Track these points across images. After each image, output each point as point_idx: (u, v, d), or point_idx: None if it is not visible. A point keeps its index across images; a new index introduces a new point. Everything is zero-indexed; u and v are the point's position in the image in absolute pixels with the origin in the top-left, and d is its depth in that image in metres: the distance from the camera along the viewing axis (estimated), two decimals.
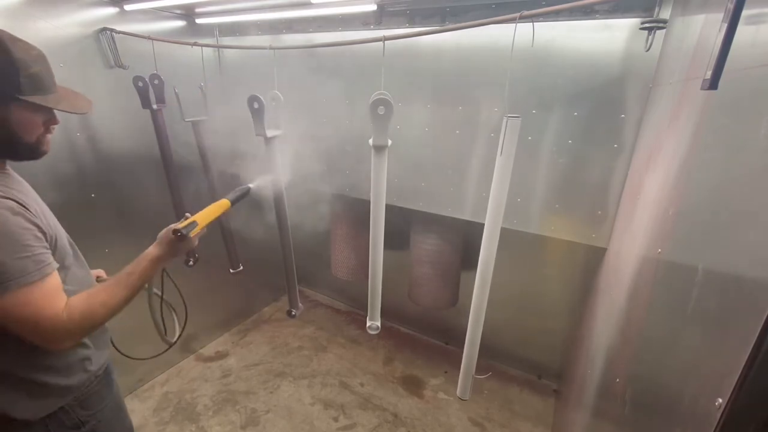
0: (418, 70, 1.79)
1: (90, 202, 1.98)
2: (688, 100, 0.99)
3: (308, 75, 2.07)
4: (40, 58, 0.91)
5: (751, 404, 0.52)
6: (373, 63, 1.82)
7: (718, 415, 0.54)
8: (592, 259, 1.86)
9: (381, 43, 1.27)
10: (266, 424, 2.25)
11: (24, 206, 0.88)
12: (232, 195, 1.40)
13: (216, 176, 2.23)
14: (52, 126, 0.97)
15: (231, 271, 2.42)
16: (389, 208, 1.49)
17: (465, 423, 2.29)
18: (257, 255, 2.57)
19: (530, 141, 1.61)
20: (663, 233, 0.97)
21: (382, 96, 1.25)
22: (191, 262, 2.33)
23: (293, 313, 2.01)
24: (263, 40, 2.23)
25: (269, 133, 1.56)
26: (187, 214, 1.20)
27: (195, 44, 1.80)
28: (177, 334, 1.39)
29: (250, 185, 1.50)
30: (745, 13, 0.60)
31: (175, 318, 1.40)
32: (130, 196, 2.16)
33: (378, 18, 1.84)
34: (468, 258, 2.36)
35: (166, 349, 1.37)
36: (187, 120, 2.01)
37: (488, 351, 2.52)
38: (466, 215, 1.86)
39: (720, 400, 0.54)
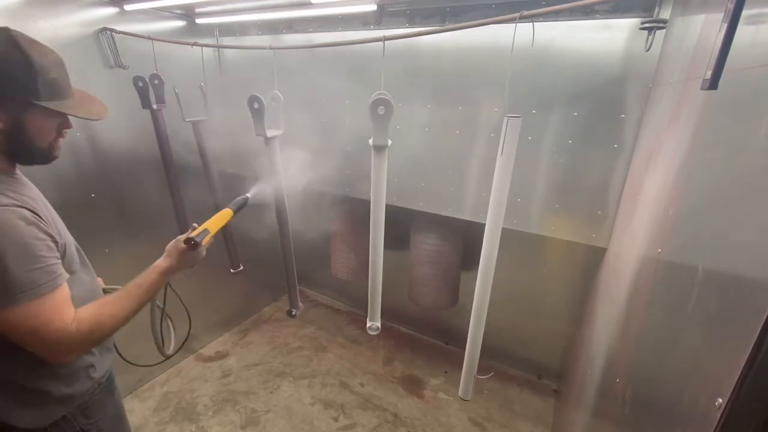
0: (418, 70, 1.79)
1: (90, 202, 1.98)
2: (688, 100, 0.99)
3: (308, 75, 2.07)
4: (58, 62, 0.90)
5: (751, 404, 0.52)
6: (373, 63, 1.82)
7: (718, 415, 0.54)
8: (592, 259, 1.86)
9: (381, 43, 1.27)
10: (266, 424, 2.25)
11: (37, 215, 0.86)
12: (234, 205, 1.41)
13: (216, 176, 2.23)
14: (64, 130, 0.96)
15: (231, 271, 2.42)
16: (389, 208, 1.49)
17: (465, 423, 2.29)
18: (257, 255, 2.57)
19: (530, 141, 1.61)
20: (663, 233, 0.97)
21: (382, 96, 1.25)
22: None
23: (293, 313, 2.01)
24: (263, 40, 2.23)
25: (269, 133, 1.56)
26: (194, 225, 1.20)
27: (195, 44, 1.80)
28: (173, 347, 1.40)
29: (248, 195, 1.51)
30: (745, 13, 0.60)
31: (172, 331, 1.41)
32: (130, 196, 2.16)
33: (378, 18, 1.84)
34: (468, 258, 2.36)
35: (163, 361, 1.38)
36: (187, 120, 2.01)
37: (488, 351, 2.51)
38: (466, 215, 1.86)
39: (720, 400, 0.54)
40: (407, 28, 1.81)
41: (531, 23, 1.13)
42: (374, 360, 2.79)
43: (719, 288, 0.64)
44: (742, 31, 0.61)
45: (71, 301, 0.90)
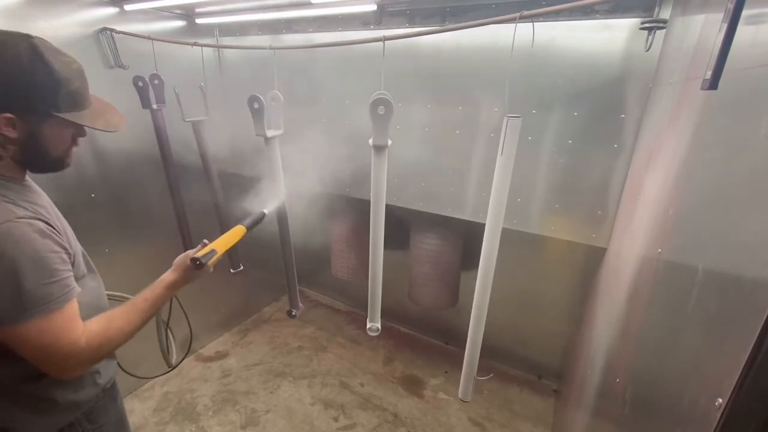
0: (418, 70, 1.79)
1: (90, 202, 1.98)
2: (688, 100, 0.99)
3: (308, 75, 2.07)
4: (79, 72, 0.88)
5: (751, 404, 0.52)
6: (373, 63, 1.82)
7: (718, 415, 0.54)
8: (592, 259, 1.86)
9: (381, 43, 1.27)
10: (266, 424, 2.25)
11: (52, 227, 0.85)
12: (248, 221, 1.40)
13: (216, 176, 2.23)
14: (78, 138, 0.95)
15: (231, 271, 2.42)
16: (389, 208, 1.49)
17: (465, 423, 2.29)
18: (257, 255, 2.57)
19: (530, 141, 1.61)
20: (663, 233, 0.97)
21: (382, 96, 1.25)
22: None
23: (293, 313, 2.01)
24: (263, 40, 2.23)
25: (269, 133, 1.56)
26: (205, 241, 1.19)
27: (195, 44, 1.80)
28: (176, 358, 1.42)
29: (265, 211, 1.49)
30: (745, 13, 0.60)
31: (173, 342, 1.41)
32: (130, 196, 2.16)
33: (378, 18, 1.84)
34: (468, 258, 2.36)
35: (165, 372, 1.41)
36: (187, 120, 2.01)
37: (488, 351, 2.51)
38: (466, 215, 1.86)
39: (720, 400, 0.54)
40: (407, 28, 1.81)
41: (531, 23, 1.12)
42: (374, 360, 2.79)
43: (719, 288, 0.64)
44: (742, 31, 0.61)
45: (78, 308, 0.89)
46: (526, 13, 1.08)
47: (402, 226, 2.33)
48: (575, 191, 1.61)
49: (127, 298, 1.32)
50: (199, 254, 1.11)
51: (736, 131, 0.72)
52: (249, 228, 1.38)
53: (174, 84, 1.95)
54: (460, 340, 1.58)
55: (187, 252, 1.13)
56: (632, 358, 1.02)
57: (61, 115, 0.85)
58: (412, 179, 1.95)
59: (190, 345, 1.48)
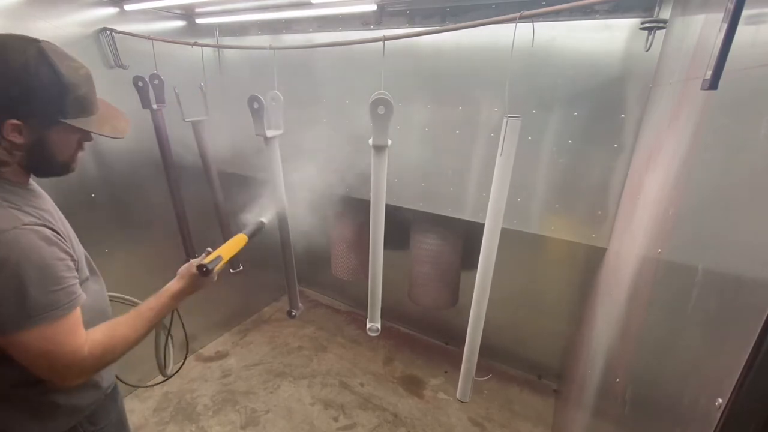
0: (418, 70, 1.79)
1: (90, 202, 1.98)
2: (688, 100, 0.99)
3: (308, 75, 2.07)
4: (87, 78, 0.88)
5: (751, 404, 0.52)
6: (373, 63, 1.82)
7: (718, 415, 0.54)
8: (592, 259, 1.86)
9: (381, 43, 1.27)
10: (266, 424, 2.25)
11: (57, 233, 0.85)
12: (248, 230, 1.41)
13: (216, 176, 2.23)
14: (84, 143, 0.94)
15: (231, 271, 2.41)
16: (389, 208, 1.49)
17: (465, 423, 2.29)
18: (257, 255, 2.57)
19: (530, 141, 1.61)
20: (663, 233, 0.97)
21: (382, 96, 1.25)
22: None
23: (293, 313, 2.01)
24: (263, 40, 2.23)
25: (269, 133, 1.56)
26: (209, 249, 1.20)
27: (195, 44, 1.80)
28: (172, 368, 1.42)
29: (263, 220, 1.50)
30: (745, 13, 0.60)
31: (171, 352, 1.41)
32: (130, 196, 2.16)
33: (378, 18, 1.84)
34: (468, 258, 2.36)
35: (162, 381, 1.41)
36: (187, 120, 2.01)
37: (488, 351, 2.51)
38: (466, 215, 1.86)
39: (720, 400, 0.54)
40: (407, 28, 1.81)
41: (531, 23, 1.12)
42: (374, 360, 2.79)
43: (719, 288, 0.64)
44: (742, 31, 0.61)
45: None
46: (526, 13, 1.08)
47: (402, 226, 2.33)
48: (575, 191, 1.61)
49: (128, 300, 1.33)
50: (205, 261, 1.11)
51: (736, 131, 0.72)
52: (250, 237, 1.39)
53: (174, 84, 1.95)
54: (460, 340, 1.58)
55: (191, 261, 1.12)
56: (632, 358, 1.02)
57: (68, 121, 0.84)
58: (412, 179, 1.95)
59: (186, 354, 1.48)
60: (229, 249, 1.25)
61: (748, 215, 0.61)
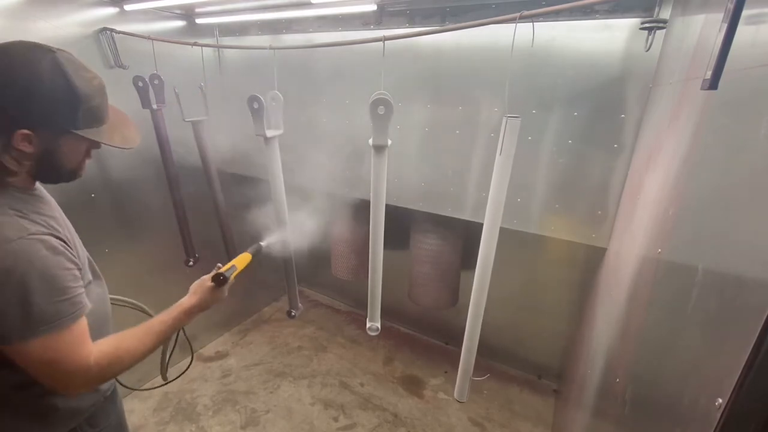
0: (418, 70, 1.79)
1: (90, 202, 1.98)
2: (688, 100, 0.99)
3: (308, 75, 2.07)
4: (101, 88, 0.87)
5: (751, 404, 0.52)
6: (373, 63, 1.82)
7: (718, 415, 0.54)
8: (592, 259, 1.86)
9: (381, 43, 1.27)
10: (266, 424, 2.25)
11: (64, 241, 0.84)
12: (252, 249, 1.44)
13: (216, 176, 2.23)
14: (93, 150, 0.94)
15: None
16: (389, 208, 1.49)
17: (465, 423, 2.29)
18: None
19: (530, 141, 1.61)
20: (663, 233, 0.97)
21: (381, 96, 1.25)
22: (191, 263, 2.33)
23: (293, 313, 2.01)
24: (263, 40, 2.23)
25: (269, 133, 1.56)
26: (219, 264, 1.20)
27: (195, 44, 1.80)
28: (172, 374, 1.44)
29: (262, 243, 1.53)
30: (745, 13, 0.60)
31: (169, 358, 1.42)
32: (130, 196, 2.16)
33: (378, 18, 1.84)
34: (468, 258, 2.36)
35: (162, 385, 1.43)
36: (187, 120, 2.01)
37: (488, 351, 2.52)
38: (466, 215, 1.86)
39: (720, 400, 0.54)
40: (407, 28, 1.81)
41: (531, 23, 1.12)
42: (374, 360, 2.79)
43: (719, 288, 0.64)
44: (742, 31, 0.61)
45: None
46: (526, 13, 1.08)
47: (402, 226, 2.33)
48: (575, 191, 1.61)
49: (129, 302, 1.33)
50: (222, 270, 1.12)
51: (736, 131, 0.72)
52: (254, 256, 1.42)
53: (174, 84, 1.95)
54: (460, 340, 1.58)
55: (203, 277, 1.13)
56: (632, 358, 1.02)
57: (79, 132, 0.83)
58: (412, 179, 1.95)
59: (191, 361, 1.49)
60: (239, 262, 1.28)
61: (748, 215, 0.61)
